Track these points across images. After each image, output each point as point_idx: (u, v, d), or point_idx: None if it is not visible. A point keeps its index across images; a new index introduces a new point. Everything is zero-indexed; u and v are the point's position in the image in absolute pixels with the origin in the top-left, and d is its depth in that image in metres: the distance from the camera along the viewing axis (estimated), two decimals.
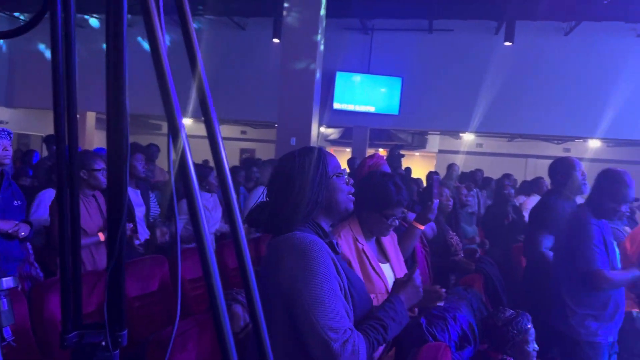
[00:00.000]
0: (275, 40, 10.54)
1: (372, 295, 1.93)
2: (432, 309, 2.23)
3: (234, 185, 0.62)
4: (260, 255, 4.02)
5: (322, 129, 13.21)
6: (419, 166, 12.83)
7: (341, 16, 9.93)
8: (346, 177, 1.52)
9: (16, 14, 11.33)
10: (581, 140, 13.33)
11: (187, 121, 11.15)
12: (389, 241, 2.24)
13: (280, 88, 7.48)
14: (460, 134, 14.16)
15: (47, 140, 6.91)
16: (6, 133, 2.97)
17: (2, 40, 11.30)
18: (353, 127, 11.55)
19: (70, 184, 0.74)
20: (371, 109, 10.97)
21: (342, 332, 1.27)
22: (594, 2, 8.74)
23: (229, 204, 0.56)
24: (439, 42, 10.72)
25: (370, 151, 11.62)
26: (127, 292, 2.84)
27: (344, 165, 8.44)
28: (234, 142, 16.44)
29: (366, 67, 10.91)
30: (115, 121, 0.66)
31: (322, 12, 7.45)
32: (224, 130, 16.23)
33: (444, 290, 1.89)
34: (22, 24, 0.71)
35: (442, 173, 8.46)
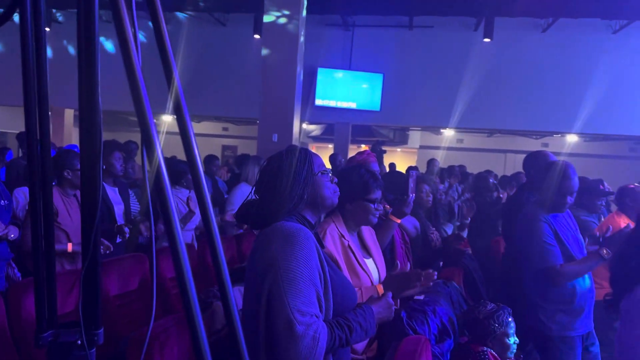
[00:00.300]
0: (256, 37, 10.49)
1: (356, 290, 1.97)
2: (412, 302, 2.27)
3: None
4: (243, 252, 4.01)
5: (305, 126, 13.20)
6: (400, 162, 12.90)
7: (322, 12, 9.92)
8: (330, 175, 1.61)
9: None
10: (559, 135, 13.58)
11: (167, 118, 11.04)
12: (369, 237, 2.29)
13: (262, 84, 7.45)
14: (441, 130, 14.30)
15: (19, 137, 6.52)
16: None
17: None
18: (335, 124, 11.57)
19: (42, 182, 0.73)
20: (353, 105, 11.00)
21: (308, 317, 1.31)
22: None
23: (203, 202, 0.56)
24: (420, 38, 10.79)
25: (352, 147, 11.67)
26: (108, 291, 2.81)
27: (325, 160, 8.44)
28: (216, 138, 16.33)
29: (347, 64, 10.93)
30: (88, 118, 0.65)
31: (303, 8, 7.44)
32: (206, 127, 16.11)
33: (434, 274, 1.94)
34: None
35: (423, 168, 8.55)
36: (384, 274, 2.20)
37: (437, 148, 14.71)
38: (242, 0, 9.86)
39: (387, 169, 8.96)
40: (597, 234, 3.18)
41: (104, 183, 3.48)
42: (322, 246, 1.54)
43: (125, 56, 0.48)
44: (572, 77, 10.17)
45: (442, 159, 11.58)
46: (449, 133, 14.52)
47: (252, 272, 1.45)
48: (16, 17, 0.66)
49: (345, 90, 10.95)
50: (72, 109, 11.56)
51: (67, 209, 3.09)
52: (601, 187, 4.13)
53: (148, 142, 0.49)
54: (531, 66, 10.35)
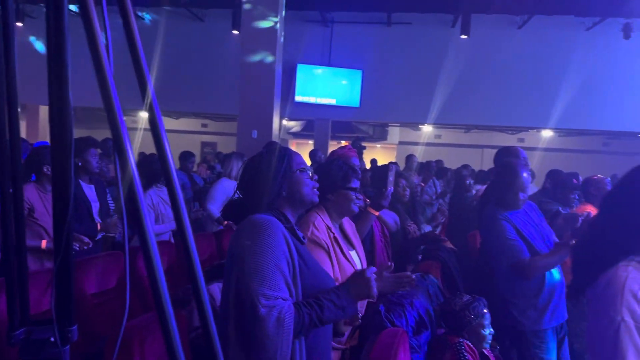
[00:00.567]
0: (235, 32, 10.41)
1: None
2: (390, 296, 2.30)
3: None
4: (223, 249, 4.00)
5: (285, 122, 13.17)
6: (380, 158, 12.98)
7: (301, 8, 9.91)
8: (310, 172, 1.64)
9: None
10: (534, 131, 13.82)
11: (145, 114, 10.87)
12: (350, 230, 2.34)
13: (241, 80, 7.41)
14: (420, 126, 14.42)
15: None
16: None
17: None
18: (315, 120, 11.58)
19: (13, 179, 0.73)
20: (332, 101, 11.02)
21: (273, 300, 1.34)
22: None
23: (175, 199, 0.56)
24: (398, 35, 10.85)
25: (332, 143, 11.70)
26: (85, 289, 2.78)
27: (306, 157, 8.44)
28: (195, 135, 16.18)
29: (327, 60, 10.93)
30: (58, 115, 0.65)
31: (282, 4, 7.41)
32: (184, 124, 15.95)
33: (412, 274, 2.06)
34: None
35: (403, 164, 8.62)
36: (365, 266, 2.26)
37: (416, 144, 14.83)
38: None
39: (367, 165, 9.02)
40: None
41: (81, 181, 3.43)
42: (302, 242, 1.57)
43: (94, 57, 0.48)
44: (547, 74, 10.37)
45: (421, 155, 11.69)
46: (427, 129, 14.66)
47: (228, 265, 1.50)
48: None
49: (325, 86, 10.96)
50: (47, 106, 11.32)
51: (45, 205, 3.05)
52: (575, 181, 4.24)
53: (119, 148, 0.49)
54: (507, 63, 10.51)
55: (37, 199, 3.05)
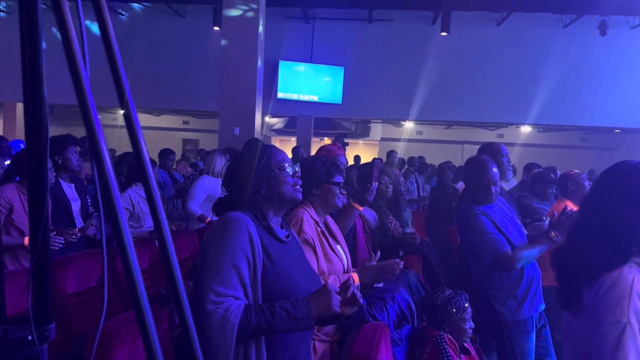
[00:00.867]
0: (216, 28, 10.33)
1: (332, 277, 2.05)
2: (372, 290, 2.33)
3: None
4: None
5: (267, 119, 13.14)
6: (363, 154, 13.04)
7: (282, 4, 9.87)
8: (290, 169, 1.63)
9: None
10: (514, 127, 14.02)
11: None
12: (334, 226, 2.37)
13: (222, 77, 7.36)
14: (402, 122, 14.51)
15: None
16: None
17: None
18: (297, 117, 11.56)
19: None
20: (315, 98, 11.02)
21: (223, 297, 1.35)
22: None
23: (151, 197, 0.56)
24: (379, 31, 10.89)
25: (315, 140, 11.71)
26: (65, 288, 2.75)
27: (289, 153, 8.43)
28: (176, 132, 16.03)
29: (309, 57, 10.92)
30: (32, 112, 0.65)
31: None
32: (166, 121, 15.79)
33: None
34: None
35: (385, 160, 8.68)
36: (349, 260, 2.30)
37: (398, 140, 14.93)
38: None
39: (350, 162, 9.05)
40: (546, 220, 3.31)
41: (60, 180, 3.38)
42: (279, 239, 1.56)
43: (67, 54, 0.47)
44: (525, 70, 10.52)
45: (403, 151, 11.79)
46: (409, 125, 14.76)
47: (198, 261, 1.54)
48: None
49: (307, 83, 10.96)
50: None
51: (24, 206, 3.00)
52: (552, 175, 4.32)
53: (94, 147, 0.49)
54: (486, 59, 10.63)
55: (17, 199, 3.01)
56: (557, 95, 10.33)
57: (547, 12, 10.32)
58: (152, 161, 4.25)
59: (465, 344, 2.52)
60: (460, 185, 6.71)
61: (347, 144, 9.57)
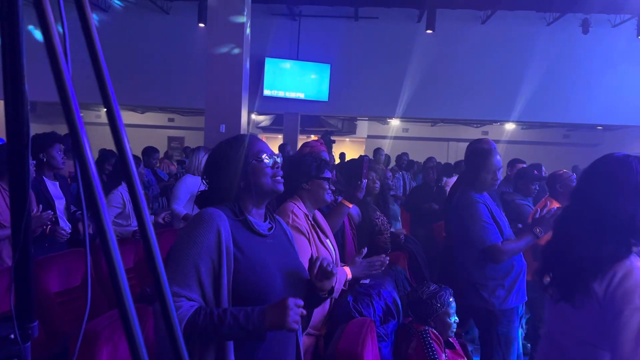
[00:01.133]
0: (201, 25, 10.26)
1: None
2: (358, 287, 2.35)
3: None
4: None
5: (254, 116, 13.10)
6: (349, 151, 13.07)
7: (268, 1, 9.84)
8: (269, 160, 1.55)
9: None
10: (498, 124, 14.16)
11: None
12: (322, 221, 2.40)
13: (207, 74, 7.32)
14: (388, 120, 14.57)
15: None
16: None
17: None
18: (284, 114, 11.54)
19: None
20: (301, 95, 11.01)
21: (176, 298, 1.33)
22: None
23: (135, 197, 0.56)
24: (365, 29, 10.92)
25: (301, 137, 11.70)
26: (49, 288, 2.72)
27: (275, 151, 8.42)
28: (162, 130, 15.88)
29: (295, 54, 10.91)
30: (14, 109, 0.64)
31: None
32: (150, 118, 15.65)
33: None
34: None
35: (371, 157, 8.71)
36: (338, 255, 2.33)
37: (384, 137, 14.99)
38: None
39: (337, 159, 9.08)
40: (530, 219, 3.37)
41: (44, 177, 3.34)
42: (259, 233, 1.52)
43: (49, 50, 0.47)
44: (509, 68, 10.63)
45: (389, 148, 11.83)
46: (395, 123, 14.83)
47: None
48: None
49: (294, 80, 10.94)
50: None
51: (6, 202, 2.96)
52: (535, 172, 4.37)
53: (77, 146, 0.49)
54: (471, 57, 10.72)
55: (0, 198, 2.96)
56: (541, 92, 10.46)
57: (531, 11, 10.43)
58: (136, 158, 4.20)
59: (450, 339, 2.55)
60: (446, 182, 6.77)
61: (334, 142, 9.59)
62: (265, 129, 14.85)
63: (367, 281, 2.41)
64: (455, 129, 15.29)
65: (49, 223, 3.01)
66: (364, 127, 16.02)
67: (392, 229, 4.01)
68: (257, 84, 10.31)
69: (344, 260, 2.60)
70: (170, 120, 16.06)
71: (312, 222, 2.23)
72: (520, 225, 3.32)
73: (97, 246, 3.12)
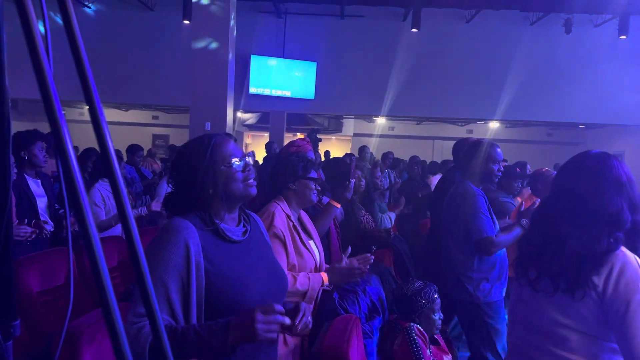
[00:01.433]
0: (186, 22, 10.17)
1: (302, 273, 2.05)
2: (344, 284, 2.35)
3: None
4: None
5: (240, 114, 13.03)
6: (335, 150, 13.09)
7: None
8: (238, 164, 1.45)
9: None
10: (482, 122, 14.29)
11: None
12: (308, 222, 2.39)
13: (192, 71, 7.27)
14: (374, 118, 14.61)
15: None
16: None
17: None
18: (270, 112, 11.51)
19: None
20: (287, 93, 10.99)
21: (140, 318, 1.27)
22: None
23: (118, 195, 0.56)
24: (351, 27, 10.93)
25: (288, 135, 11.68)
26: (31, 286, 2.68)
27: (262, 149, 8.41)
28: (146, 127, 15.72)
29: (281, 51, 10.88)
30: None
31: None
32: (135, 116, 15.47)
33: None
34: None
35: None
36: (322, 256, 2.31)
37: (370, 136, 15.02)
38: None
39: (322, 157, 9.07)
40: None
41: (26, 175, 3.29)
42: (231, 240, 1.45)
43: (30, 47, 0.47)
44: (494, 67, 10.74)
45: (376, 146, 11.88)
46: (381, 121, 14.88)
47: None
48: None
49: (280, 78, 10.91)
50: None
51: None
52: (518, 169, 4.44)
53: (59, 142, 0.49)
54: (456, 56, 10.80)
55: None
56: (524, 91, 10.58)
57: (514, 10, 10.54)
58: (118, 155, 4.16)
59: (435, 335, 2.58)
60: (430, 179, 6.83)
61: (320, 140, 9.57)
62: (251, 127, 14.79)
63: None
64: (440, 127, 15.40)
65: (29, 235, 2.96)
66: (350, 125, 16.05)
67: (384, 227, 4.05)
68: (242, 81, 10.26)
69: (329, 259, 2.60)
70: (155, 117, 15.91)
71: (295, 223, 2.21)
72: (508, 219, 3.38)
73: (81, 245, 3.09)
